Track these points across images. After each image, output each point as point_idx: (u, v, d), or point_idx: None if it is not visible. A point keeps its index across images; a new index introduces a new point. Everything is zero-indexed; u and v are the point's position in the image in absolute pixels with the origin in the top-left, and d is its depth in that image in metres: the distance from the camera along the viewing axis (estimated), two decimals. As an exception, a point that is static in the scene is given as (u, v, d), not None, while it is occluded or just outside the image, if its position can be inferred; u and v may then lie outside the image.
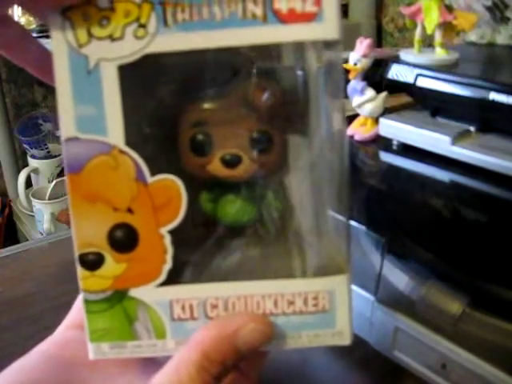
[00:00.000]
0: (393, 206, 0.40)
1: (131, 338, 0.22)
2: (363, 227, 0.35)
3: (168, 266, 0.22)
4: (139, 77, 0.22)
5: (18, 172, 1.37)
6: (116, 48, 0.21)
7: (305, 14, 0.20)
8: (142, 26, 0.20)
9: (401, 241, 0.35)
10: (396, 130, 0.49)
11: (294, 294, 0.22)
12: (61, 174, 1.34)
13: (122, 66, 0.21)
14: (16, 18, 1.11)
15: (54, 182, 1.25)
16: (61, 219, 1.24)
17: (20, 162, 1.49)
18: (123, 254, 0.22)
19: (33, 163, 1.36)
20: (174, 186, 0.22)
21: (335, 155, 0.22)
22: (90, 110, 0.21)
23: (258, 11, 0.20)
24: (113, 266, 0.22)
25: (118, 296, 0.22)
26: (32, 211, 1.32)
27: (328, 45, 0.21)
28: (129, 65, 0.21)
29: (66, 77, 0.21)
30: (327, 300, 0.22)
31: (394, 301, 0.34)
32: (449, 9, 0.50)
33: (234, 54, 0.22)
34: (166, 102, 0.23)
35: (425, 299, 0.32)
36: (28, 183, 1.36)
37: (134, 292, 0.22)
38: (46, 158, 1.35)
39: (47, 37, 0.21)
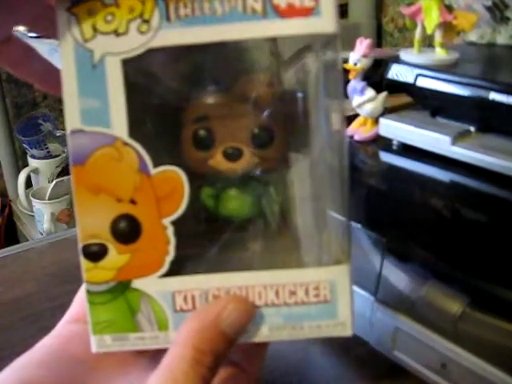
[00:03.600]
0: (393, 206, 0.40)
1: (134, 329, 0.22)
2: (363, 227, 0.35)
3: (170, 257, 0.22)
4: (144, 71, 0.22)
5: (18, 172, 1.37)
6: (120, 43, 0.21)
7: (303, 9, 0.21)
8: (146, 21, 0.21)
9: (401, 241, 0.35)
10: (396, 129, 0.49)
11: (296, 284, 0.22)
12: (61, 174, 1.34)
13: (127, 61, 0.21)
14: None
15: (54, 182, 1.25)
16: (61, 219, 1.24)
17: (20, 162, 1.49)
18: (126, 245, 0.22)
19: (33, 163, 1.36)
20: (177, 177, 0.22)
21: (335, 155, 0.22)
22: (94, 102, 0.21)
23: (258, 6, 0.21)
24: (116, 257, 0.22)
25: (120, 287, 0.22)
26: (32, 211, 1.32)
27: (327, 42, 0.21)
28: (133, 59, 0.21)
29: (71, 71, 0.21)
30: (328, 290, 0.22)
31: (394, 301, 0.34)
32: (449, 9, 0.50)
33: (236, 50, 0.22)
34: (169, 96, 0.24)
35: (425, 299, 0.32)
36: (28, 183, 1.36)
37: (137, 283, 0.22)
38: (45, 157, 1.35)
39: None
